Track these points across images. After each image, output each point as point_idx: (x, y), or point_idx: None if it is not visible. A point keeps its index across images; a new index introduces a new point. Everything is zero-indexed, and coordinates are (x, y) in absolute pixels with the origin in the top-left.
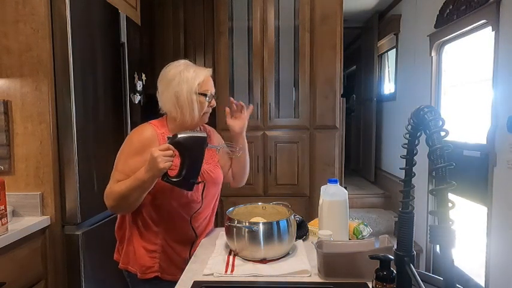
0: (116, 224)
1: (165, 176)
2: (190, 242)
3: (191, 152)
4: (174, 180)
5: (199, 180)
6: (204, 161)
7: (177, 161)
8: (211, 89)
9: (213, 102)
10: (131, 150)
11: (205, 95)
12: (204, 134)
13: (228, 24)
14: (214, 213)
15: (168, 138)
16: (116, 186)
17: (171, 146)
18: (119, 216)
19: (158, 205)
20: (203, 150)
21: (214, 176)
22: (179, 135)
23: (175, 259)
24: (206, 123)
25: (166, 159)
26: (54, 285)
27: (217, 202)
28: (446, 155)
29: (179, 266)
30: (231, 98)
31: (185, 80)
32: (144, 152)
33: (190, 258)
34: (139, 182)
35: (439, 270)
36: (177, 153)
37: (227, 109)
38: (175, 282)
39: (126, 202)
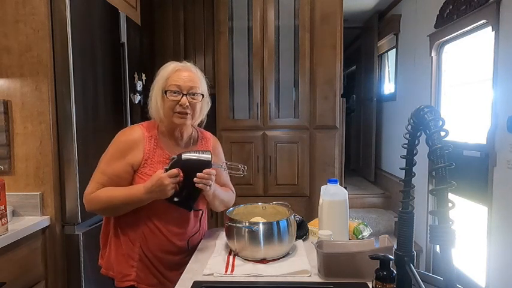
0: (101, 229)
1: None
2: (169, 254)
3: (193, 174)
4: (175, 200)
5: (198, 208)
6: None
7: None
8: (178, 83)
9: (183, 100)
10: (115, 152)
11: (169, 91)
12: (208, 156)
13: (228, 24)
14: (202, 227)
15: (172, 158)
16: (102, 193)
17: (179, 172)
18: (104, 221)
19: (136, 215)
20: None
21: None
22: (183, 156)
23: (152, 269)
24: (205, 129)
25: (174, 185)
26: (54, 285)
27: (204, 216)
28: (446, 155)
29: (157, 276)
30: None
31: (158, 79)
32: (128, 154)
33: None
34: (136, 199)
35: (439, 270)
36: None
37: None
38: None
39: (112, 211)
